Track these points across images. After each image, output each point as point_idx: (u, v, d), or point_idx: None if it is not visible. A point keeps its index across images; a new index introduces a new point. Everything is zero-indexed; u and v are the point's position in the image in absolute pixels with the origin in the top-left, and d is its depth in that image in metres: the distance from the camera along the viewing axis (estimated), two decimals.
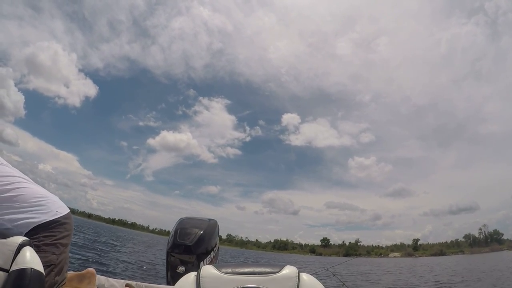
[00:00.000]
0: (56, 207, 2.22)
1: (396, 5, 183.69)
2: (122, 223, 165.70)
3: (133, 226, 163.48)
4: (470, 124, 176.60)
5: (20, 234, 1.89)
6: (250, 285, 1.14)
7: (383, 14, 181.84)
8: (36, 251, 1.84)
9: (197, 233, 3.03)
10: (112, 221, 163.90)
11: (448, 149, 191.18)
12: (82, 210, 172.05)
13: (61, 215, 2.20)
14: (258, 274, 1.18)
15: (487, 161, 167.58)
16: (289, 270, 1.21)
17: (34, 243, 1.89)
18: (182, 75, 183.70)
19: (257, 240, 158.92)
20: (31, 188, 2.20)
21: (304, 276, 1.21)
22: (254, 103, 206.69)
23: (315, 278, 1.21)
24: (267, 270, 1.20)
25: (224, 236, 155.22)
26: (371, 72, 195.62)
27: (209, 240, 3.11)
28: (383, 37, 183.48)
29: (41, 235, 2.02)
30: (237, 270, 1.20)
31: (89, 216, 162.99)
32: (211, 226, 3.24)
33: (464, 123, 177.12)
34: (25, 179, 2.23)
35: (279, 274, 1.19)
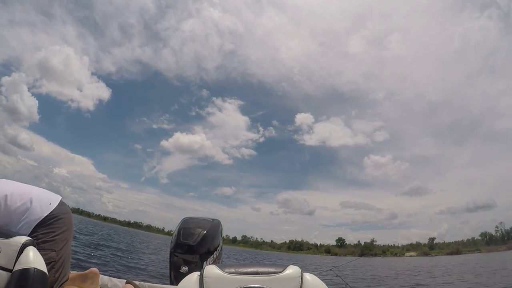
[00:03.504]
0: (47, 199, 2.20)
1: (407, 1, 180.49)
2: (137, 225, 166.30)
3: (148, 228, 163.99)
4: (485, 120, 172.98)
5: (25, 235, 1.92)
6: (253, 285, 1.17)
7: (394, 10, 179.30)
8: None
9: (200, 233, 3.06)
10: (128, 224, 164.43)
11: (464, 146, 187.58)
12: (98, 213, 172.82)
13: (55, 205, 2.18)
14: (261, 274, 1.20)
15: (503, 157, 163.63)
16: (292, 270, 1.23)
17: (38, 240, 1.92)
18: (194, 77, 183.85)
19: (272, 241, 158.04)
20: (16, 187, 2.15)
21: (307, 276, 1.23)
22: (267, 103, 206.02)
23: (318, 278, 1.24)
24: (270, 270, 1.22)
25: (239, 237, 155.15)
26: (384, 69, 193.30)
27: (212, 240, 3.14)
28: (395, 33, 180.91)
29: (40, 232, 2.02)
30: (240, 270, 1.22)
31: (105, 219, 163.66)
32: (214, 226, 3.27)
33: (479, 119, 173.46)
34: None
35: (282, 274, 1.21)
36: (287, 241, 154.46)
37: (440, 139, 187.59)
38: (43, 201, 2.17)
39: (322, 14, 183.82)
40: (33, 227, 2.03)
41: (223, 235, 3.46)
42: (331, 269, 4.97)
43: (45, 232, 2.04)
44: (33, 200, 2.12)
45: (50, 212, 2.13)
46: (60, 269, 2.04)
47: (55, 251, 2.04)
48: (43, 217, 2.08)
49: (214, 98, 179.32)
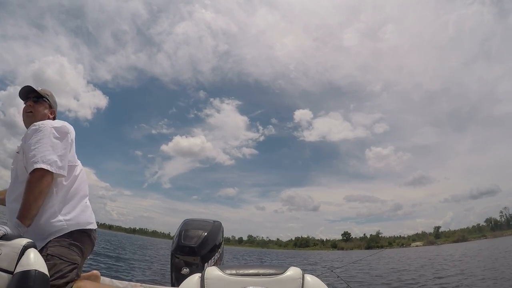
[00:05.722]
0: (90, 218, 2.44)
1: None
2: (143, 232, 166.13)
3: (154, 234, 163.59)
4: (484, 106, 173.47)
5: (65, 230, 2.19)
6: (254, 287, 1.17)
7: (387, 1, 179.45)
8: (64, 245, 2.11)
9: (201, 235, 3.09)
10: (133, 231, 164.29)
11: (464, 133, 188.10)
12: (103, 222, 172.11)
13: (92, 228, 2.41)
14: (263, 275, 1.21)
15: (504, 142, 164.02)
16: (293, 272, 1.24)
17: (71, 240, 2.15)
18: (190, 80, 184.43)
19: (278, 239, 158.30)
20: (86, 188, 2.52)
21: (308, 278, 1.24)
22: (265, 102, 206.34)
23: (319, 280, 1.25)
24: (271, 271, 1.23)
25: (245, 238, 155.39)
26: (380, 61, 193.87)
27: (213, 241, 3.17)
28: (389, 24, 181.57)
29: (75, 235, 2.23)
30: (241, 271, 1.23)
31: (110, 227, 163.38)
32: (216, 228, 3.29)
33: (478, 106, 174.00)
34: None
35: (283, 275, 1.22)
36: (293, 238, 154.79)
37: (440, 128, 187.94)
38: (89, 216, 2.44)
39: (315, 9, 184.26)
40: (75, 229, 2.25)
41: (225, 236, 3.48)
42: (332, 270, 4.95)
43: (83, 241, 2.30)
44: (90, 210, 2.47)
45: (87, 233, 2.36)
46: (74, 275, 2.13)
47: (80, 257, 2.22)
48: (88, 228, 2.36)
49: (211, 99, 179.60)
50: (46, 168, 2.11)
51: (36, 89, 2.49)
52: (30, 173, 2.11)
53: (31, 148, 2.17)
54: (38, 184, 2.07)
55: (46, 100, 2.55)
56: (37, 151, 2.15)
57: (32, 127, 2.28)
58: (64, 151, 2.29)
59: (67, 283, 2.02)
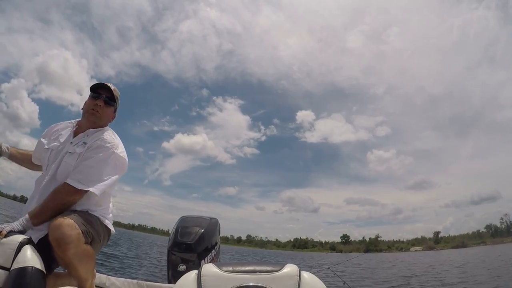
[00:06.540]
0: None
1: None
2: (142, 228, 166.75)
3: (153, 230, 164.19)
4: (487, 112, 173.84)
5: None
6: (251, 284, 1.18)
7: (392, 3, 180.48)
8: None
9: (198, 232, 3.08)
10: (132, 227, 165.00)
11: (466, 138, 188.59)
12: None
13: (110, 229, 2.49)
14: (259, 272, 1.22)
15: (506, 148, 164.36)
16: (290, 269, 1.25)
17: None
18: (193, 78, 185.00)
19: (276, 239, 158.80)
20: None
21: (305, 275, 1.24)
22: (267, 102, 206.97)
23: (316, 277, 1.25)
24: (268, 268, 1.24)
25: (244, 237, 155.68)
26: (383, 64, 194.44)
27: (210, 238, 3.16)
28: (394, 27, 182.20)
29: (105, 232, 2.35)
30: (238, 268, 1.24)
31: None
32: (212, 225, 3.28)
33: (481, 111, 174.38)
34: None
35: (280, 272, 1.23)
36: (292, 240, 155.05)
37: (443, 132, 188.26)
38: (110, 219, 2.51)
39: (319, 11, 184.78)
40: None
41: (224, 235, 3.47)
42: (328, 268, 4.92)
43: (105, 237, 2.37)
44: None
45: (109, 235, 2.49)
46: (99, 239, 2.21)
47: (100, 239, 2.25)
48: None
49: (214, 98, 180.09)
50: (90, 190, 2.11)
51: (113, 90, 2.47)
52: (65, 183, 2.09)
53: (86, 162, 2.17)
54: (66, 198, 2.07)
55: (115, 104, 2.55)
56: (91, 172, 2.16)
57: (98, 141, 2.27)
58: (113, 182, 2.30)
59: (90, 235, 2.02)
